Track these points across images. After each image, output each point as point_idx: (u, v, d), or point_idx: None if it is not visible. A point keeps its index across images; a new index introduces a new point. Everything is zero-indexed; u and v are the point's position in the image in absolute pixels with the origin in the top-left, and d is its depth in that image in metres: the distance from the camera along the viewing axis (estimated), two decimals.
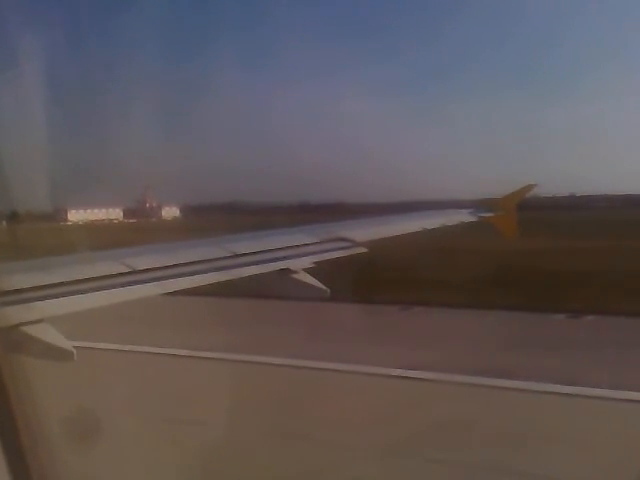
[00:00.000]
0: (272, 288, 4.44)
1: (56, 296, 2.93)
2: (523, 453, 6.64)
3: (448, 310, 14.38)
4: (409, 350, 10.69)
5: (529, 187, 7.38)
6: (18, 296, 2.83)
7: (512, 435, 7.12)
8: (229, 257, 4.21)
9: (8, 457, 1.47)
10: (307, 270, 4.42)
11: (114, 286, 3.23)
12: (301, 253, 4.62)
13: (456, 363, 9.79)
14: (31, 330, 2.71)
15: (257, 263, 4.26)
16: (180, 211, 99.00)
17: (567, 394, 8.30)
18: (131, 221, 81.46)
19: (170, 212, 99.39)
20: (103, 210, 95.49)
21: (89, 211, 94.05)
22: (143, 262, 3.65)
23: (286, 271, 4.34)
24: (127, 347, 10.81)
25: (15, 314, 2.73)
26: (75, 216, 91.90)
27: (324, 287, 4.36)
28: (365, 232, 5.19)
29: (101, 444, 6.11)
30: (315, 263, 4.56)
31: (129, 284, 3.32)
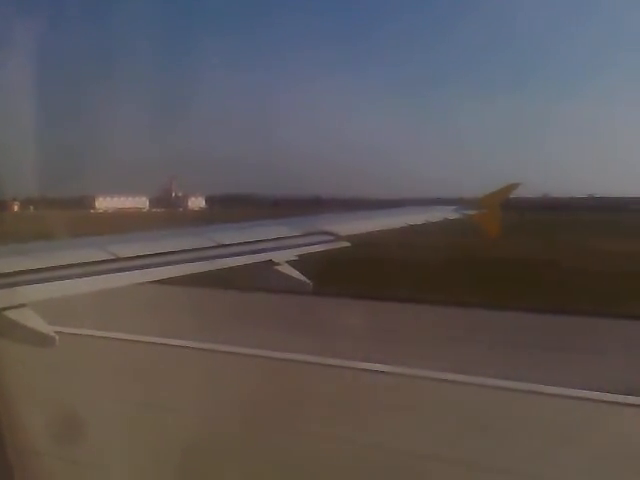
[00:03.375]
0: (254, 280, 4.46)
1: (38, 281, 2.93)
2: None
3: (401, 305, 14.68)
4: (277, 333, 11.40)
5: (512, 186, 7.46)
6: (1, 280, 2.82)
7: None
8: (213, 247, 4.21)
9: None
10: (290, 263, 4.46)
11: (95, 273, 3.22)
12: (284, 245, 4.64)
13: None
14: (13, 315, 2.71)
15: (240, 254, 4.27)
16: (205, 202, 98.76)
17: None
18: (157, 210, 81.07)
19: (195, 202, 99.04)
20: (130, 198, 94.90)
21: (116, 199, 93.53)
22: (127, 250, 3.64)
23: (269, 263, 4.37)
24: (99, 333, 11.16)
25: None
26: (103, 204, 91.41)
27: (306, 280, 4.39)
28: (349, 226, 5.22)
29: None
30: (298, 256, 4.60)
31: (111, 271, 3.31)
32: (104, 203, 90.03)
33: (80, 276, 3.13)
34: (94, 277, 3.19)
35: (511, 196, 7.54)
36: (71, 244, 3.77)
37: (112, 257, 3.46)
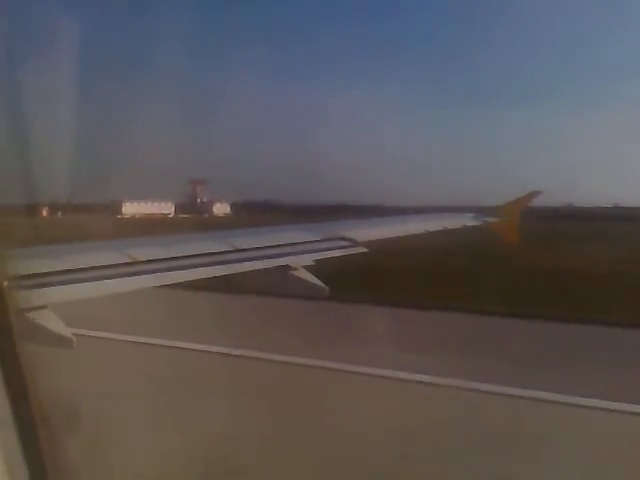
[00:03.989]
0: (271, 285, 4.48)
1: (56, 284, 2.99)
2: None
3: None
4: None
5: (533, 194, 7.37)
6: (24, 282, 2.88)
7: None
8: (230, 251, 4.25)
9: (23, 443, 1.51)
10: (307, 268, 4.47)
11: (112, 276, 3.28)
12: (301, 250, 4.65)
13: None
14: (33, 316, 2.77)
15: (256, 259, 4.29)
16: (231, 208, 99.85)
17: None
18: (182, 216, 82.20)
19: (221, 208, 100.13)
20: (156, 204, 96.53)
21: (142, 204, 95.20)
22: (145, 253, 3.69)
23: (285, 268, 4.38)
24: (111, 335, 11.25)
25: (20, 300, 2.78)
26: (129, 209, 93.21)
27: (323, 285, 4.39)
28: (367, 232, 5.22)
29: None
30: (315, 261, 4.60)
31: (128, 275, 3.36)
32: (130, 208, 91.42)
33: (97, 279, 3.19)
34: (111, 280, 3.25)
35: (533, 205, 7.45)
36: (90, 247, 3.84)
37: (130, 260, 3.51)
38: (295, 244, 4.73)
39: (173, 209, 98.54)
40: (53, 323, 2.82)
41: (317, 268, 4.52)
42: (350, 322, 13.00)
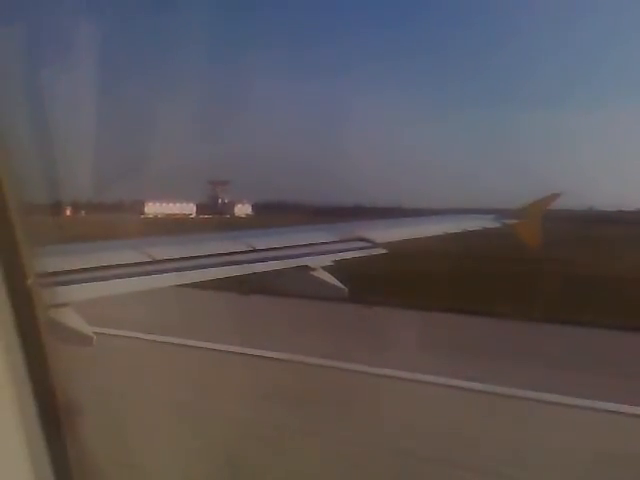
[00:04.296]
0: (290, 285, 4.47)
1: (77, 282, 3.02)
2: None
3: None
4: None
5: (554, 196, 7.26)
6: (49, 279, 2.92)
7: None
8: (249, 252, 4.25)
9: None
10: (326, 268, 4.45)
11: (134, 274, 3.30)
12: (320, 251, 4.64)
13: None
14: (56, 314, 2.79)
15: (276, 259, 4.29)
16: (252, 208, 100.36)
17: None
18: (204, 216, 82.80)
19: (242, 209, 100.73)
20: (178, 204, 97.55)
21: (165, 205, 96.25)
22: (164, 252, 3.72)
23: (305, 268, 4.37)
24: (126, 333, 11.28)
25: (43, 297, 2.81)
26: (152, 209, 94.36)
27: (342, 286, 4.37)
28: (386, 233, 5.19)
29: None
30: (334, 262, 4.58)
31: (146, 273, 3.38)
32: (153, 208, 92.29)
33: (117, 277, 3.22)
34: (130, 279, 3.27)
35: (555, 208, 7.33)
36: (110, 246, 3.87)
37: (149, 259, 3.54)
38: (314, 245, 4.71)
39: (195, 210, 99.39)
40: (74, 321, 2.85)
41: (335, 268, 4.51)
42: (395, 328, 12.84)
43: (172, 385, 8.50)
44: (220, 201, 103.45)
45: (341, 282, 4.38)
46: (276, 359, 9.99)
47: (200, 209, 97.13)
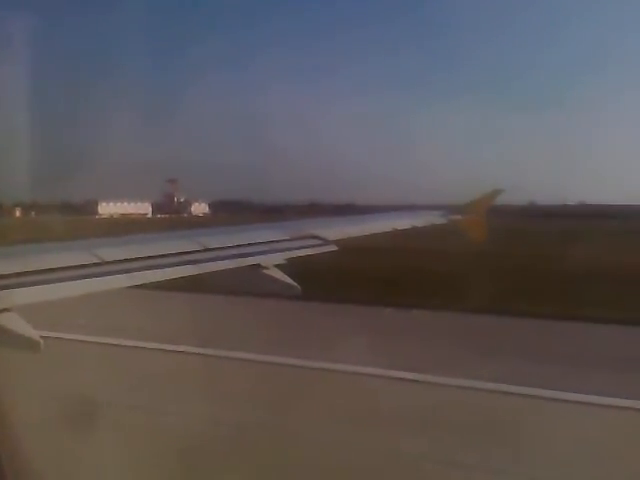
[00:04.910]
0: (242, 284, 4.49)
1: (21, 285, 2.96)
2: None
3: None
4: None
5: (496, 192, 7.52)
6: None
7: None
8: (200, 251, 4.25)
9: None
10: (279, 267, 4.49)
11: (79, 277, 3.26)
12: (272, 249, 4.68)
13: None
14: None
15: (227, 258, 4.30)
16: (209, 207, 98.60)
17: None
18: (160, 216, 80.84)
19: (199, 208, 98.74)
20: (133, 204, 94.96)
21: (119, 204, 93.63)
22: (113, 253, 3.68)
23: (257, 267, 4.40)
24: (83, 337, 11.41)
25: None
26: (106, 209, 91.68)
27: (295, 284, 4.42)
28: (337, 230, 5.27)
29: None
30: (286, 260, 4.63)
31: (95, 275, 3.35)
32: (107, 209, 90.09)
33: (63, 280, 3.17)
34: (77, 281, 3.23)
35: (497, 203, 7.60)
36: (57, 247, 3.80)
37: (97, 260, 3.49)
38: (266, 243, 4.75)
39: (150, 209, 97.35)
40: (19, 326, 2.80)
41: (288, 266, 4.57)
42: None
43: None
44: (176, 200, 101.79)
45: (294, 280, 4.44)
46: None
47: (156, 208, 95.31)
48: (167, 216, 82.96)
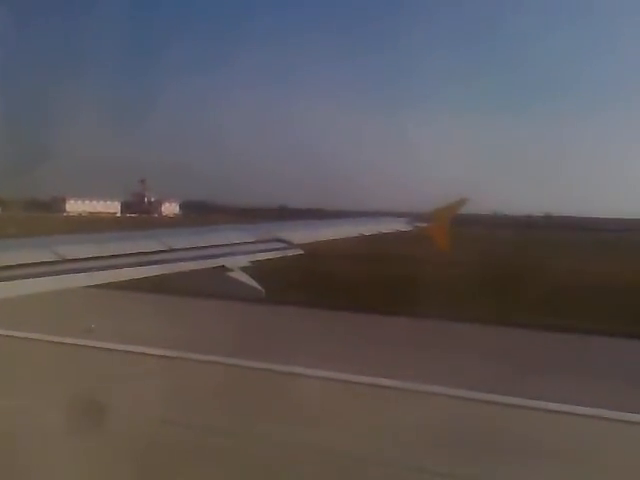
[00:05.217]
0: (206, 286, 4.46)
1: None
2: None
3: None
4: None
5: (462, 201, 7.66)
6: None
7: None
8: (164, 251, 4.19)
9: None
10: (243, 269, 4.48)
11: (40, 275, 3.19)
12: (238, 251, 4.65)
13: None
14: None
15: (192, 259, 4.26)
16: (180, 207, 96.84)
17: None
18: (129, 215, 79.19)
19: (169, 208, 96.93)
20: (102, 202, 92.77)
21: (87, 202, 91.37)
22: (74, 251, 3.61)
23: (222, 269, 4.38)
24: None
25: None
26: (74, 207, 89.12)
27: (259, 287, 4.41)
28: (302, 234, 5.28)
29: None
30: (251, 262, 4.62)
31: (54, 273, 3.27)
32: (75, 206, 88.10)
33: (22, 277, 3.10)
34: (35, 279, 3.15)
35: (463, 212, 7.76)
36: (18, 244, 3.71)
37: (58, 259, 3.42)
38: (231, 245, 4.72)
39: (119, 208, 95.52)
40: None
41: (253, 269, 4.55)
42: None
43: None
44: (147, 200, 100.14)
45: (258, 282, 4.43)
46: None
47: (125, 208, 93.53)
48: (136, 216, 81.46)
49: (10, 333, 11.03)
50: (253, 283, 4.45)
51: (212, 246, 4.59)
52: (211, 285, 4.47)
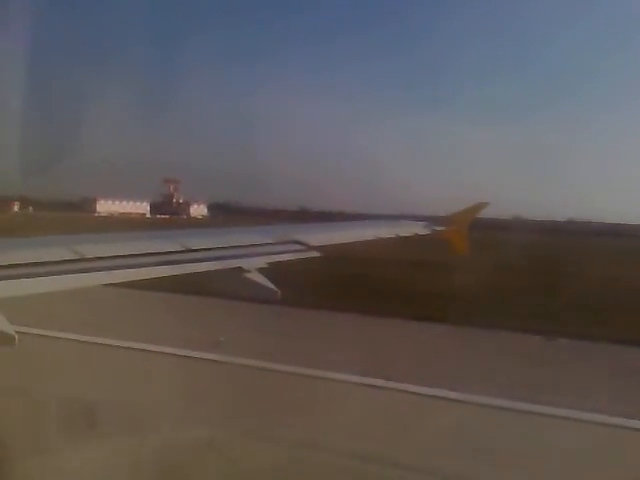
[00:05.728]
0: (223, 286, 4.51)
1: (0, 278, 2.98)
2: None
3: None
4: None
5: (481, 205, 7.60)
6: None
7: None
8: (182, 252, 4.27)
9: None
10: (260, 270, 4.52)
11: (58, 273, 3.27)
12: (255, 253, 4.71)
13: None
14: None
15: (209, 260, 4.32)
16: (208, 209, 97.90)
17: None
18: (158, 216, 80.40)
19: (198, 210, 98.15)
20: (131, 203, 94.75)
21: (118, 203, 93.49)
22: (93, 250, 3.70)
23: (238, 270, 4.43)
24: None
25: None
26: (104, 207, 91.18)
27: (275, 288, 4.45)
28: (320, 236, 5.31)
29: None
30: (268, 264, 4.66)
31: (74, 272, 3.36)
32: (105, 207, 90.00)
33: (42, 275, 3.19)
34: (56, 277, 3.24)
35: (481, 216, 7.68)
36: (37, 242, 3.82)
37: (77, 257, 3.51)
38: (248, 246, 4.78)
39: (148, 209, 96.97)
40: None
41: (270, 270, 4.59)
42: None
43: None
44: (175, 201, 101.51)
45: (275, 284, 4.47)
46: None
47: (154, 209, 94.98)
48: (165, 217, 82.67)
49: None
50: (269, 284, 4.49)
51: (229, 247, 4.65)
52: (228, 286, 4.52)
